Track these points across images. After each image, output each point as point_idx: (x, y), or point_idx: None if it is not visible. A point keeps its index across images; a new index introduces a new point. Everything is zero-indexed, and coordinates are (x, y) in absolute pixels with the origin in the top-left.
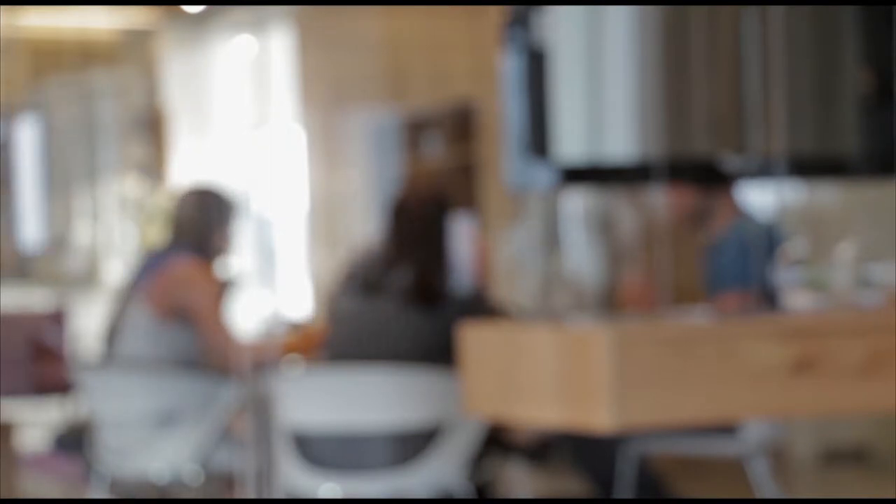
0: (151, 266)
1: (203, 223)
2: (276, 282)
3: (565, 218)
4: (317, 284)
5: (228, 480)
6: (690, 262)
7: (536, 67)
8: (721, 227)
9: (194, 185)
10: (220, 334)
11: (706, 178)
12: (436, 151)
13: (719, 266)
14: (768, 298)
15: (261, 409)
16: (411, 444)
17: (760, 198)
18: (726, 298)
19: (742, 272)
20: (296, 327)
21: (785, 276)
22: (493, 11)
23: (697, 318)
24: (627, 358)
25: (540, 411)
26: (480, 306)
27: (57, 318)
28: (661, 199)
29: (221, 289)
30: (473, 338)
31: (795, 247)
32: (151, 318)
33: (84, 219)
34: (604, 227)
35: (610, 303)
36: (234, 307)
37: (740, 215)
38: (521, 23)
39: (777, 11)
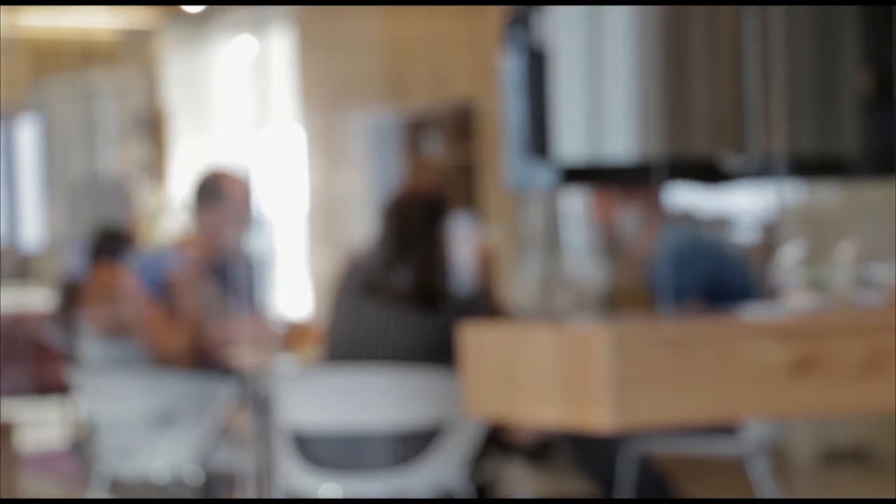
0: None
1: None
2: (276, 282)
3: (565, 218)
4: (317, 284)
5: (228, 480)
6: None
7: (536, 67)
8: (650, 239)
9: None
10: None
11: (706, 178)
12: (436, 151)
13: (660, 280)
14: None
15: (261, 409)
16: (411, 444)
17: (760, 198)
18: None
19: (679, 285)
20: (296, 327)
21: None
22: (493, 11)
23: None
24: (627, 358)
25: (540, 411)
26: (480, 306)
27: (57, 318)
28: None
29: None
30: (473, 338)
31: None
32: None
33: None
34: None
35: (610, 303)
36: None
37: (668, 223)
38: (521, 23)
39: (777, 11)
